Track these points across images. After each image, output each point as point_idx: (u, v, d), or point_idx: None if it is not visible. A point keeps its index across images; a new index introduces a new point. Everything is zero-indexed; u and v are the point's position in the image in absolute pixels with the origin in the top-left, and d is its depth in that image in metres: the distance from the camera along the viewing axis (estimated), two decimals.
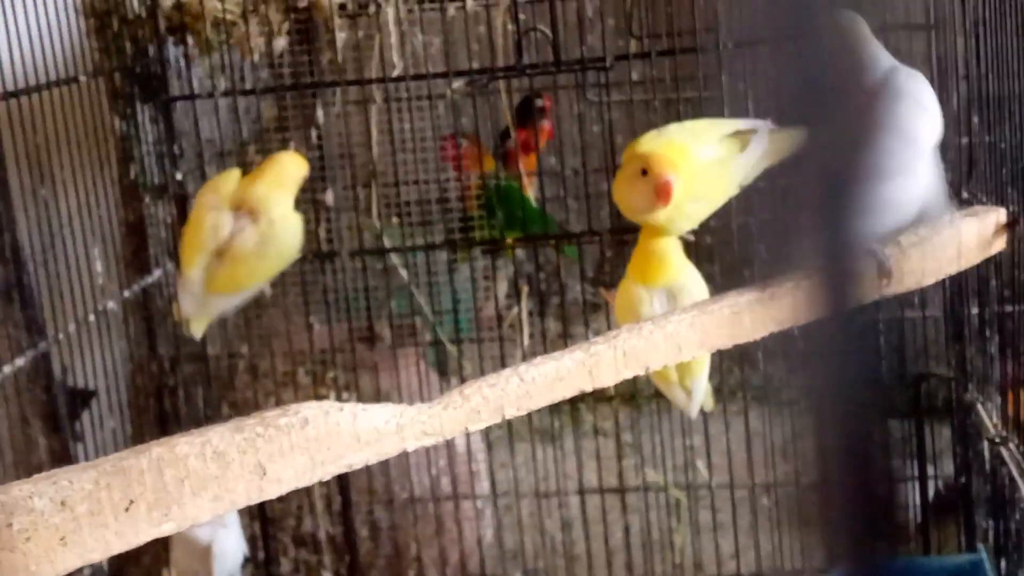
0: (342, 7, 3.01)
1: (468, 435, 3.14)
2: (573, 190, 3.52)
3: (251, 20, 2.92)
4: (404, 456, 1.48)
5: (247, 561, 2.76)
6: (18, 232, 2.40)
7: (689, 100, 2.84)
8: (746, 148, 2.27)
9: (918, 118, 1.83)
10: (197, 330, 2.60)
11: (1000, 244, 1.90)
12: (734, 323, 1.67)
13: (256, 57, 2.98)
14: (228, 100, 2.93)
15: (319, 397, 2.99)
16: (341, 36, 2.99)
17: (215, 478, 1.32)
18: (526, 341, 3.22)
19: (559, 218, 3.41)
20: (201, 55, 2.98)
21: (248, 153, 3.12)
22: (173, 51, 2.96)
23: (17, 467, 2.39)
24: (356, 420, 1.41)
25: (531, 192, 3.16)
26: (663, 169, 2.13)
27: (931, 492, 2.90)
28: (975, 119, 2.30)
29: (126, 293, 2.79)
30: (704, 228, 2.81)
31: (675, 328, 1.62)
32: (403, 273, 3.18)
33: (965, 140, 2.39)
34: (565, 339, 3.08)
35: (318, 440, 1.38)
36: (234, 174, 2.54)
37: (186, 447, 1.31)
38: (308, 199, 2.84)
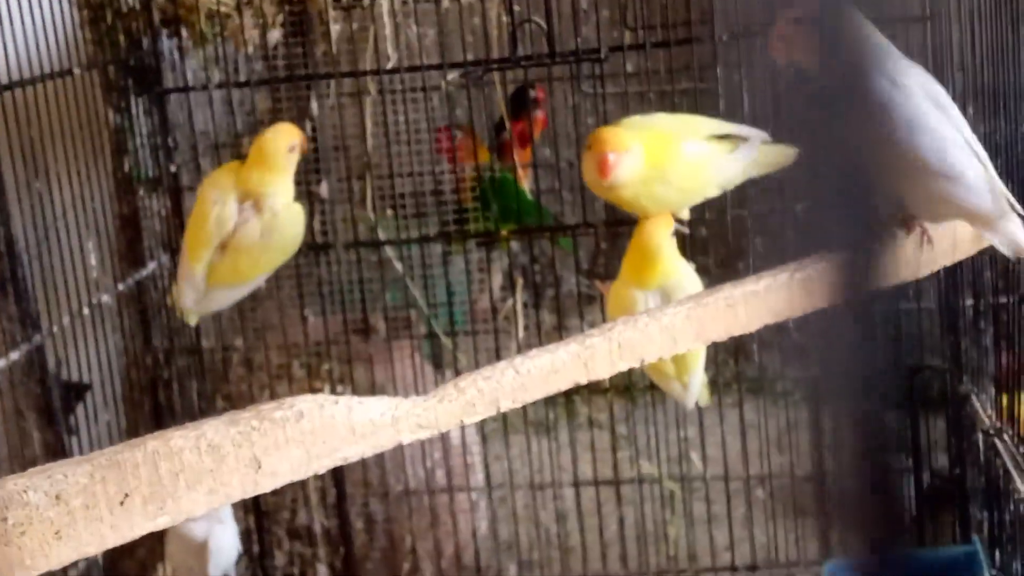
0: None
1: (463, 427, 3.14)
2: (568, 182, 3.52)
3: (245, 12, 2.91)
4: (399, 449, 1.48)
5: (241, 556, 2.76)
6: (12, 225, 2.40)
7: (684, 92, 2.84)
8: (735, 152, 2.28)
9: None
10: (192, 319, 2.62)
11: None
12: (729, 315, 1.67)
13: (250, 49, 2.97)
14: (222, 92, 2.92)
15: (314, 390, 3.00)
16: (335, 28, 2.99)
17: (210, 471, 1.32)
18: (521, 333, 3.22)
19: (554, 210, 3.41)
20: (195, 47, 2.98)
21: (242, 145, 3.12)
22: (167, 43, 2.95)
23: (11, 461, 2.39)
24: (351, 413, 1.41)
25: (526, 184, 3.16)
26: (603, 146, 2.17)
27: (925, 484, 2.91)
28: (970, 110, 2.30)
29: (120, 286, 2.79)
30: (698, 221, 2.81)
31: (670, 320, 1.62)
32: (398, 265, 3.18)
33: None
34: (560, 331, 3.08)
35: (313, 433, 1.38)
36: (233, 167, 2.54)
37: (181, 440, 1.31)
38: (303, 191, 2.84)
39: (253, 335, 3.15)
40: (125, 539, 1.28)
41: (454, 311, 3.11)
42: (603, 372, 1.58)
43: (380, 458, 3.11)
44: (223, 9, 2.91)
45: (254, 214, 2.47)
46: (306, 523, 3.26)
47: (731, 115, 2.73)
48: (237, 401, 3.12)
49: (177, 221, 2.92)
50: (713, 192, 2.37)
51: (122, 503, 1.27)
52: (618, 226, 2.87)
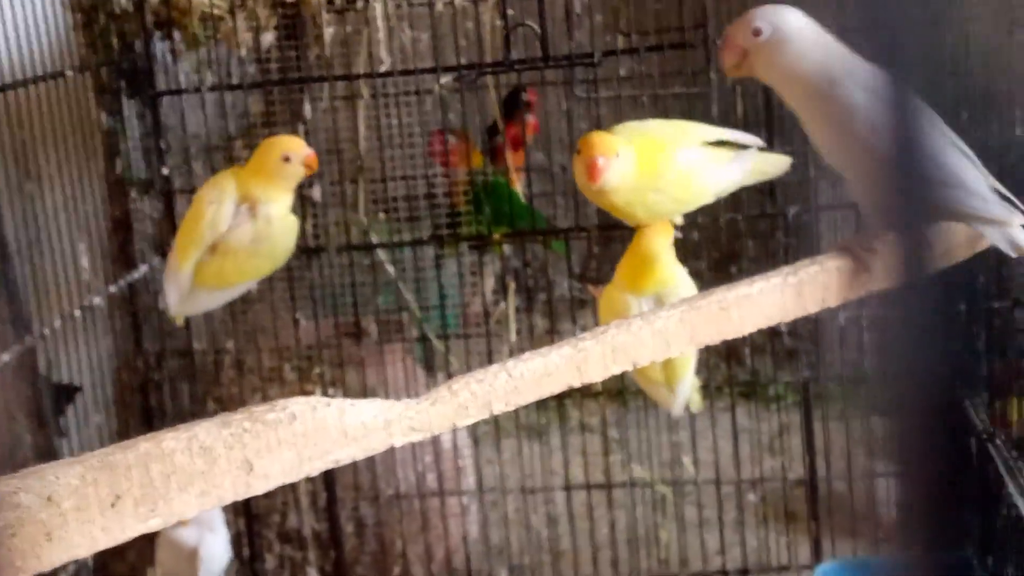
0: (330, 2, 3.01)
1: (454, 431, 3.14)
2: (561, 186, 3.52)
3: (238, 15, 2.91)
4: (390, 452, 1.47)
5: (231, 562, 2.76)
6: (4, 227, 2.39)
7: (677, 96, 2.85)
8: (731, 161, 2.28)
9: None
10: (178, 319, 2.62)
11: (987, 241, 1.90)
12: (722, 319, 1.67)
13: (243, 52, 2.97)
14: (215, 95, 2.92)
15: (305, 393, 2.99)
16: (329, 31, 2.99)
17: (202, 473, 1.32)
18: (513, 337, 3.21)
19: (546, 214, 3.41)
20: (188, 50, 2.97)
21: (235, 148, 3.11)
22: (160, 46, 2.95)
23: (2, 463, 2.38)
24: (343, 415, 1.40)
25: (519, 187, 3.16)
26: (593, 150, 2.16)
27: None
28: (964, 115, 2.31)
29: (112, 288, 2.78)
30: (691, 224, 2.82)
31: (664, 324, 1.62)
32: (390, 269, 3.17)
33: None
34: (552, 335, 3.08)
35: (305, 435, 1.38)
36: (231, 171, 2.54)
37: (173, 442, 1.31)
38: (295, 194, 2.84)
39: (244, 338, 3.14)
40: (116, 541, 1.28)
41: (446, 314, 3.11)
42: (596, 375, 1.58)
43: (371, 462, 3.11)
44: (216, 12, 2.91)
45: (248, 218, 2.46)
46: (296, 527, 3.26)
47: (725, 120, 2.74)
48: (228, 404, 3.11)
49: (169, 224, 2.91)
50: (708, 200, 2.36)
51: (113, 505, 1.27)
52: (611, 230, 2.87)
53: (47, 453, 2.46)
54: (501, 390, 1.50)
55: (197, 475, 1.31)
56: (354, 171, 3.16)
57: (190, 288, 2.52)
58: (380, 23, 3.00)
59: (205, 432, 1.33)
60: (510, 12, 2.80)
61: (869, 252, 1.76)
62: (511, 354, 2.59)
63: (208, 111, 2.89)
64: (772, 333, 3.12)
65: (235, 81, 2.97)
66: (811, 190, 2.98)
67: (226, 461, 1.33)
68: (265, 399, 2.39)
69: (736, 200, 2.83)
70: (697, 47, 2.73)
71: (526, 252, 3.12)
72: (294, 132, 3.12)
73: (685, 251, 2.70)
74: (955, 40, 2.40)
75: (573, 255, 3.32)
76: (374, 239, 3.12)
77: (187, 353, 3.03)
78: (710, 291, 1.70)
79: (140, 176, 2.90)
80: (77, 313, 2.54)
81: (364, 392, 3.00)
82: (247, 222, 2.45)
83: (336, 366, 3.05)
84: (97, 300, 2.66)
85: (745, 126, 2.86)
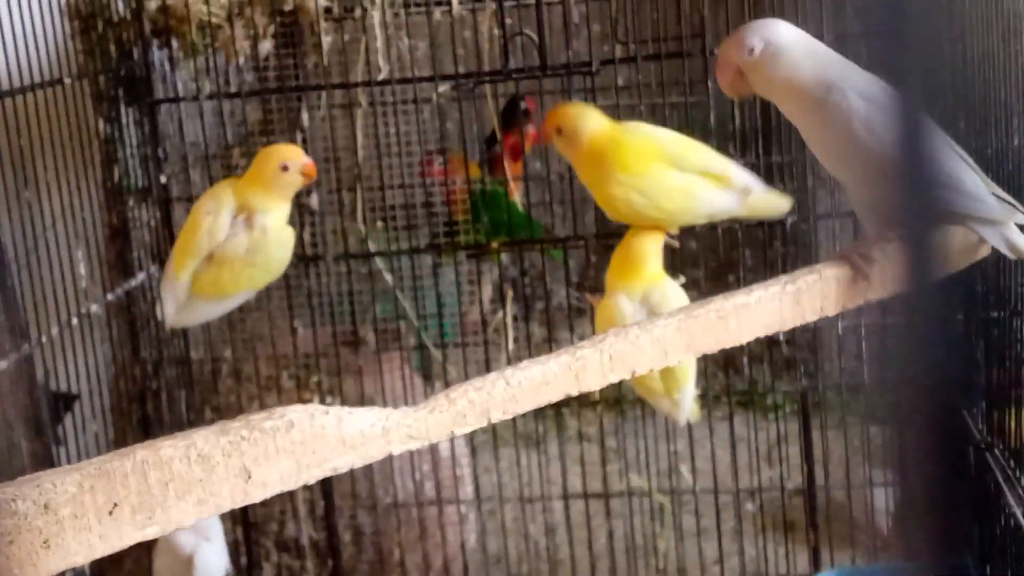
0: (328, 10, 3.01)
1: (452, 440, 3.13)
2: (558, 195, 3.53)
3: (236, 23, 2.91)
4: (388, 461, 1.47)
5: (229, 574, 2.75)
6: (1, 234, 2.39)
7: (675, 105, 2.85)
8: (728, 191, 2.30)
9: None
10: (176, 325, 2.63)
11: (986, 250, 1.90)
12: (720, 327, 1.67)
13: (241, 60, 2.97)
14: (213, 103, 2.92)
15: (303, 401, 2.98)
16: (327, 39, 2.99)
17: (200, 481, 1.32)
18: (511, 346, 3.21)
19: (544, 222, 3.41)
20: (186, 58, 2.98)
21: (233, 156, 3.12)
22: (158, 54, 2.95)
23: None
24: (342, 423, 1.40)
25: (517, 197, 3.16)
26: (550, 117, 2.32)
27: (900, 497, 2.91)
28: (961, 124, 2.31)
29: (109, 296, 2.78)
30: (689, 233, 2.81)
31: (661, 332, 1.62)
32: (388, 277, 3.17)
33: None
34: (550, 344, 3.08)
35: (303, 443, 1.38)
36: (230, 181, 2.55)
37: (170, 450, 1.31)
38: (293, 203, 2.84)
39: (242, 346, 3.14)
40: (114, 549, 1.28)
41: (444, 323, 3.11)
42: (594, 384, 1.58)
43: (369, 470, 3.10)
44: (214, 20, 2.91)
45: (244, 229, 2.46)
46: (294, 535, 3.25)
47: (722, 129, 2.74)
48: (225, 412, 3.11)
49: (167, 232, 2.91)
50: (698, 220, 2.39)
51: (111, 513, 1.26)
52: (608, 239, 2.87)
53: (44, 461, 2.45)
54: (499, 398, 1.50)
55: (195, 483, 1.31)
56: (352, 179, 3.16)
57: (186, 298, 2.53)
58: (378, 31, 3.00)
59: (203, 440, 1.33)
60: (508, 21, 2.80)
61: (867, 260, 1.76)
62: (509, 363, 2.59)
63: (206, 119, 2.89)
64: (770, 342, 3.12)
65: (233, 89, 2.98)
66: (809, 199, 2.98)
67: (224, 469, 1.33)
68: (263, 407, 2.39)
69: None
70: (695, 56, 2.73)
71: (523, 261, 3.12)
72: (292, 140, 3.12)
73: (683, 260, 2.70)
74: (952, 50, 2.41)
75: (571, 264, 3.31)
76: (372, 247, 3.12)
77: (184, 361, 3.02)
78: (708, 300, 1.70)
79: (138, 184, 2.90)
80: (75, 321, 2.54)
81: (362, 401, 3.00)
82: (243, 232, 2.45)
83: (334, 374, 3.05)
84: (95, 308, 2.66)
85: (743, 135, 2.87)
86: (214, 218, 2.46)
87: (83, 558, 1.26)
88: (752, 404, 3.29)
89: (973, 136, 2.23)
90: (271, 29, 3.03)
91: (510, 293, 3.26)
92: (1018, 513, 2.07)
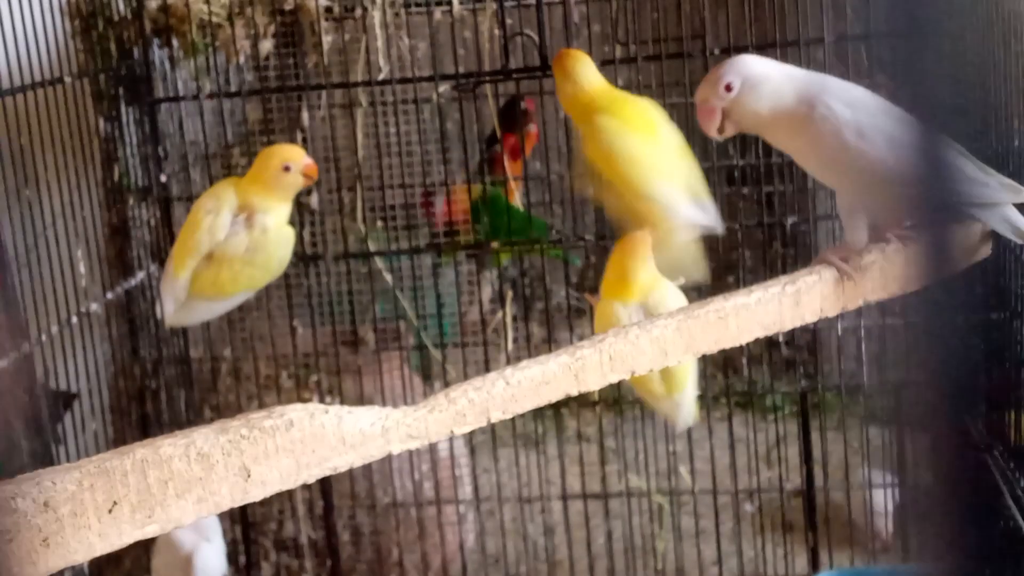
0: (328, 10, 3.01)
1: (451, 440, 3.13)
2: (558, 195, 3.53)
3: (237, 22, 2.91)
4: (387, 461, 1.48)
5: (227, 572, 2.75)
6: (2, 233, 2.39)
7: (675, 106, 2.85)
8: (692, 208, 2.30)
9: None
10: (175, 324, 2.63)
11: (985, 251, 1.90)
12: (720, 328, 1.67)
13: (241, 59, 2.97)
14: (213, 102, 2.92)
15: (302, 401, 2.98)
16: (327, 39, 2.99)
17: (199, 480, 1.32)
18: (510, 346, 3.21)
19: (548, 221, 3.41)
20: (186, 57, 2.98)
21: (233, 155, 3.12)
22: (158, 53, 2.95)
23: None
24: (341, 423, 1.40)
25: (517, 197, 3.16)
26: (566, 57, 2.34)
27: (911, 499, 2.91)
28: (960, 126, 2.31)
29: (109, 295, 2.78)
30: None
31: (661, 332, 1.62)
32: (387, 277, 3.17)
33: None
34: (550, 344, 3.08)
35: (303, 442, 1.38)
36: (231, 181, 2.55)
37: (170, 449, 1.31)
38: (293, 202, 2.84)
39: (242, 346, 3.14)
40: (113, 547, 1.28)
41: (443, 323, 3.11)
42: (594, 384, 1.58)
43: (368, 470, 3.10)
44: (214, 19, 2.92)
45: (244, 228, 2.46)
46: (293, 535, 3.25)
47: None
48: (225, 412, 3.10)
49: (166, 231, 2.91)
50: (664, 222, 2.38)
51: (110, 511, 1.26)
52: (608, 239, 2.87)
53: (44, 460, 2.45)
54: (499, 398, 1.50)
55: (195, 481, 1.31)
56: (352, 179, 3.16)
57: (186, 297, 2.53)
58: (378, 31, 3.00)
59: (203, 439, 1.33)
60: (508, 21, 2.80)
61: (848, 263, 1.77)
62: (508, 363, 2.59)
63: (206, 118, 2.89)
64: (769, 343, 3.12)
65: (233, 88, 2.98)
66: (809, 200, 2.98)
67: (224, 468, 1.33)
68: (262, 407, 2.39)
69: (734, 210, 2.84)
70: (695, 57, 2.73)
71: (523, 261, 3.12)
72: (292, 140, 3.12)
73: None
74: (952, 51, 2.40)
75: (571, 265, 3.32)
76: (372, 247, 3.12)
77: (184, 360, 3.02)
78: (708, 300, 1.70)
79: (138, 183, 2.90)
80: (74, 320, 2.54)
81: (361, 400, 3.00)
82: (243, 232, 2.46)
83: (333, 374, 3.05)
84: (94, 307, 2.66)
85: (743, 136, 2.86)
86: (214, 217, 2.46)
87: (82, 556, 1.26)
88: (751, 405, 3.30)
89: (973, 138, 2.23)
90: (271, 28, 3.03)
91: (510, 293, 3.26)
92: (1017, 515, 2.07)
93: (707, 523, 3.13)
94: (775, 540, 3.13)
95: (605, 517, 3.14)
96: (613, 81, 2.88)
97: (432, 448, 3.13)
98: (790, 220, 2.86)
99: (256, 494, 1.36)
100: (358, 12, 2.97)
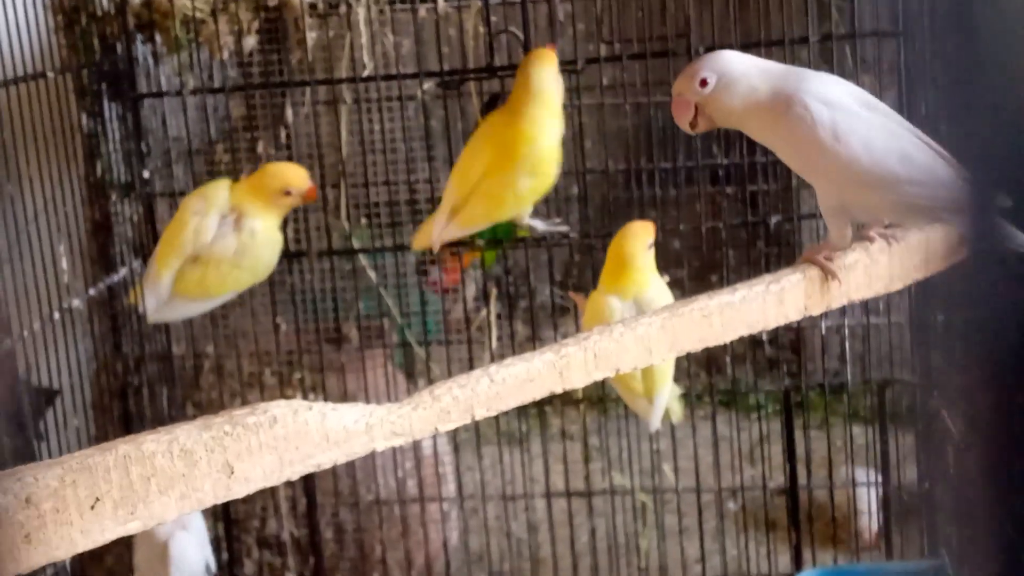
0: (312, 6, 3.00)
1: (435, 438, 3.13)
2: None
3: (220, 18, 2.90)
4: (370, 458, 1.47)
5: (211, 571, 2.73)
6: None
7: (660, 104, 2.85)
8: None
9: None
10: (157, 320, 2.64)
11: (963, 252, 1.90)
12: (704, 326, 1.67)
13: (225, 55, 2.96)
14: (196, 98, 2.91)
15: (285, 398, 2.98)
16: (311, 35, 2.98)
17: (182, 476, 1.31)
18: (494, 344, 3.21)
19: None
20: (170, 53, 2.97)
21: (216, 152, 3.11)
22: (141, 48, 2.94)
23: None
24: (325, 419, 1.40)
25: None
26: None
27: (894, 498, 2.92)
28: (943, 126, 2.31)
29: (91, 291, 2.77)
30: (672, 233, 2.82)
31: (645, 331, 1.62)
32: (371, 274, 3.17)
33: None
34: (534, 342, 3.07)
35: (287, 439, 1.37)
36: (223, 183, 2.56)
37: (153, 445, 1.30)
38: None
39: (225, 343, 3.13)
40: (95, 544, 1.27)
41: (427, 321, 3.11)
42: (578, 381, 1.58)
43: (351, 467, 3.10)
44: (198, 15, 2.91)
45: (232, 230, 2.47)
46: (275, 532, 3.25)
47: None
48: (208, 409, 3.10)
49: (149, 227, 2.90)
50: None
51: (93, 507, 1.26)
52: (592, 238, 2.87)
53: (26, 456, 2.44)
54: (483, 395, 1.50)
55: (177, 478, 1.31)
56: (336, 176, 3.15)
57: (169, 296, 2.53)
58: (363, 28, 2.99)
59: (186, 435, 1.32)
60: (493, 19, 2.80)
61: (833, 262, 1.77)
62: (492, 361, 2.59)
63: (189, 114, 2.88)
64: (753, 342, 3.12)
65: (217, 84, 2.97)
66: (793, 199, 2.99)
67: (207, 464, 1.32)
68: (244, 404, 2.39)
69: (717, 209, 2.84)
70: (680, 55, 2.73)
71: (507, 259, 3.11)
72: (276, 137, 3.12)
73: (667, 260, 2.70)
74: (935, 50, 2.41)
75: (555, 263, 3.31)
76: (356, 244, 3.11)
77: (166, 357, 3.01)
78: (692, 298, 1.70)
79: (120, 179, 2.89)
80: (56, 316, 2.53)
81: (345, 398, 2.99)
82: (231, 234, 2.46)
83: (316, 371, 3.04)
84: (76, 303, 2.64)
85: (726, 135, 2.87)
86: (201, 219, 2.46)
87: (64, 553, 1.25)
88: (735, 403, 3.30)
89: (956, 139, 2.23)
90: (255, 24, 3.02)
91: (494, 291, 3.26)
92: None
93: (690, 521, 3.14)
94: (758, 538, 3.13)
95: (589, 515, 3.14)
96: (598, 79, 2.89)
97: (416, 446, 3.13)
98: (774, 219, 2.86)
99: (239, 491, 1.35)
100: (342, 8, 2.97)
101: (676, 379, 2.53)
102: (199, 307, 2.63)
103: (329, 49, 3.03)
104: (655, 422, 2.50)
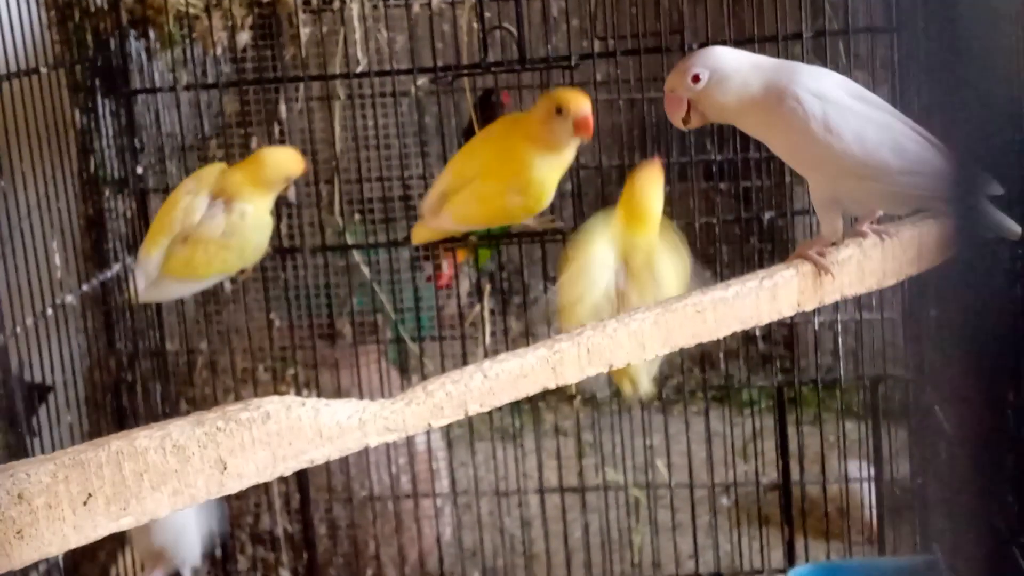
0: (306, 2, 3.00)
1: (428, 433, 3.13)
2: None
3: (214, 14, 2.90)
4: (364, 454, 1.47)
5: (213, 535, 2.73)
6: None
7: (653, 101, 2.85)
8: None
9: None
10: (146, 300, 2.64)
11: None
12: (697, 321, 1.67)
13: (219, 51, 2.96)
14: (190, 94, 2.91)
15: (279, 394, 2.98)
16: (305, 31, 2.98)
17: (175, 472, 1.31)
18: (488, 339, 3.21)
19: None
20: (163, 48, 2.96)
21: (210, 147, 3.10)
22: (135, 44, 2.94)
23: None
24: (318, 415, 1.40)
25: None
26: (580, 104, 2.41)
27: (887, 493, 2.93)
28: (934, 117, 2.31)
29: (84, 287, 2.76)
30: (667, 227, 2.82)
31: (639, 326, 1.62)
32: (365, 270, 3.17)
33: None
34: (527, 338, 3.07)
35: (280, 435, 1.37)
36: (218, 166, 2.56)
37: (146, 441, 1.30)
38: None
39: (218, 338, 3.13)
40: (88, 539, 1.27)
41: (421, 316, 3.11)
42: (571, 377, 1.58)
43: (345, 463, 3.10)
44: (192, 11, 2.90)
45: (222, 211, 2.47)
46: (269, 528, 3.25)
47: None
48: (201, 405, 3.10)
49: (142, 223, 2.90)
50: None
51: (85, 503, 1.26)
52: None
53: (18, 452, 2.43)
54: (476, 391, 1.50)
55: (170, 474, 1.31)
56: (329, 172, 3.15)
57: (158, 276, 2.53)
58: (356, 24, 2.99)
59: (179, 431, 1.32)
60: (487, 15, 2.80)
61: (826, 257, 1.77)
62: (485, 356, 2.59)
63: (183, 110, 2.88)
64: (746, 337, 3.13)
65: (210, 80, 2.96)
66: (786, 195, 2.99)
67: (199, 460, 1.33)
68: (238, 400, 2.38)
69: (711, 204, 2.84)
70: (674, 52, 2.73)
71: (501, 255, 3.11)
72: (269, 132, 3.11)
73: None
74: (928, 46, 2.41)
75: (549, 258, 3.31)
76: (349, 240, 3.11)
77: (160, 353, 3.01)
78: (685, 294, 1.71)
79: (114, 175, 2.88)
80: (49, 312, 2.52)
81: (338, 394, 2.99)
82: (220, 215, 2.46)
83: (310, 367, 3.04)
84: (70, 299, 2.64)
85: (720, 131, 2.87)
86: (192, 198, 2.46)
87: (57, 548, 1.25)
88: (728, 399, 3.30)
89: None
90: (249, 20, 3.01)
91: (487, 287, 3.26)
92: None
93: (683, 517, 3.14)
94: (751, 533, 3.14)
95: (582, 510, 3.14)
96: (591, 75, 2.89)
97: (409, 441, 3.13)
98: (767, 215, 2.87)
99: (232, 487, 1.36)
100: (336, 4, 2.96)
101: (669, 374, 2.53)
102: (188, 288, 2.63)
103: (323, 45, 3.02)
104: (644, 385, 2.49)
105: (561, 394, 3.13)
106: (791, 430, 2.91)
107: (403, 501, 3.18)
